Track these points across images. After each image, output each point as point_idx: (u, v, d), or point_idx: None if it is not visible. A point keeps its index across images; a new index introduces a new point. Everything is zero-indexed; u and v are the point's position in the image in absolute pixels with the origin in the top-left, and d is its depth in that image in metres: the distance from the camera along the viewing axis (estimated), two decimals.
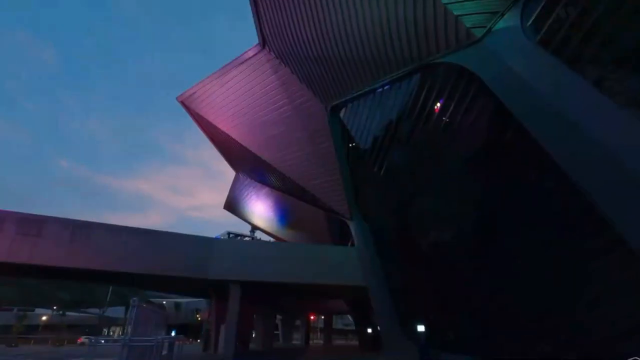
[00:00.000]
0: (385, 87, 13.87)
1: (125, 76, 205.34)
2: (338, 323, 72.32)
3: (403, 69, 12.16)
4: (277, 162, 20.60)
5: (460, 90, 10.88)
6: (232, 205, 31.37)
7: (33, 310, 63.74)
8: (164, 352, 13.05)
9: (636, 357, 4.16)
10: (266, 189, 26.96)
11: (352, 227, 20.40)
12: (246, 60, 17.35)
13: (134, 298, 9.49)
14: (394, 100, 13.69)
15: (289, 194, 25.33)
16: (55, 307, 67.43)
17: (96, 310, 70.79)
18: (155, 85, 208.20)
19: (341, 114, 16.81)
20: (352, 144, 17.57)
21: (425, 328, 16.61)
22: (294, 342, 49.64)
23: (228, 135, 21.38)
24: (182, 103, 21.42)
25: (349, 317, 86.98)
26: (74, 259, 15.80)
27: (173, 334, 24.29)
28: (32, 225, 15.93)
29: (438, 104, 12.30)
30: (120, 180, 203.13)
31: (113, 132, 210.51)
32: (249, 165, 24.48)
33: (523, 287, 10.22)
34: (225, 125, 20.88)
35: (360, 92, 14.68)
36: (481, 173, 11.42)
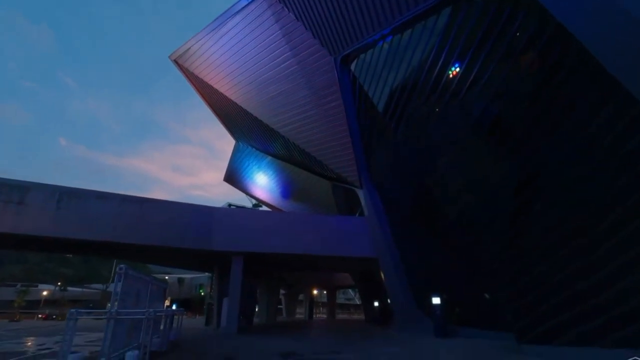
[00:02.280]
0: (406, 30, 12.05)
1: (123, 55, 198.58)
2: (340, 297, 72.76)
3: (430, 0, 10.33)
4: (280, 126, 18.99)
5: (502, 22, 9.12)
6: (233, 177, 30.00)
7: (37, 286, 64.09)
8: (161, 327, 11.98)
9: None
10: (268, 159, 25.45)
11: (362, 195, 19.02)
12: (245, 7, 15.39)
13: (121, 265, 8.18)
14: (416, 44, 11.89)
15: (293, 163, 23.85)
16: (59, 283, 67.93)
17: (100, 286, 71.29)
18: (154, 64, 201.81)
19: (352, 67, 15.01)
20: (364, 101, 15.84)
21: (441, 301, 15.63)
22: (297, 316, 49.58)
23: (226, 97, 19.64)
24: (175, 62, 19.57)
25: (350, 291, 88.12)
26: (62, 228, 14.52)
27: (174, 307, 23.50)
28: (14, 192, 14.55)
29: (469, 47, 10.54)
30: (121, 159, 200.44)
31: (112, 111, 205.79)
32: (249, 131, 22.87)
33: (566, 263, 8.86)
34: (222, 85, 19.10)
35: (376, 36, 12.82)
36: (521, 128, 9.80)
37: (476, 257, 14.23)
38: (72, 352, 7.81)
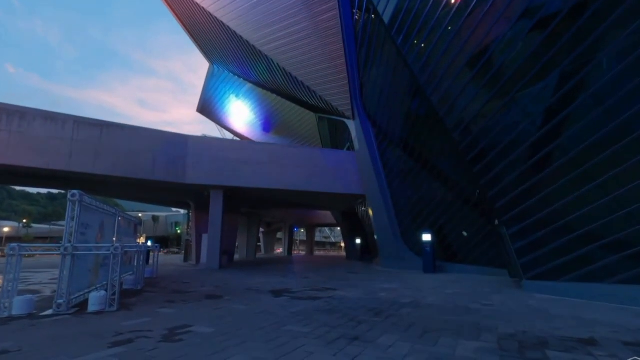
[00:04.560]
0: None
1: None
2: (317, 235, 74.91)
3: None
4: (263, 43, 16.35)
5: None
6: (207, 107, 27.17)
7: None
8: (135, 264, 10.71)
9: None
10: (247, 86, 22.81)
11: (354, 128, 17.46)
12: None
13: (74, 191, 6.49)
14: None
15: (276, 92, 21.51)
16: (24, 220, 65.27)
17: None
18: None
19: None
20: (366, 11, 13.49)
21: (432, 238, 15.28)
22: (275, 253, 50.46)
23: (199, 6, 16.43)
24: None
25: (327, 230, 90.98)
26: (3, 154, 12.20)
27: (149, 244, 22.33)
28: None
29: None
30: (79, 91, 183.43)
31: (65, 36, 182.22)
32: (226, 50, 19.83)
33: (583, 200, 8.04)
34: None
35: None
36: (559, 43, 8.19)
37: (472, 193, 13.56)
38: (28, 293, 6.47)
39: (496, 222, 9.80)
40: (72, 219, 6.47)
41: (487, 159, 9.82)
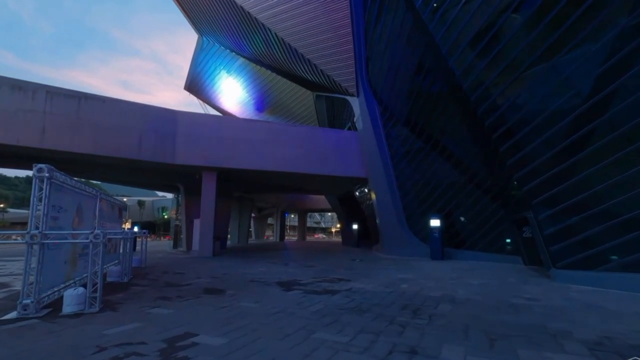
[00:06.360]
0: None
1: None
2: (307, 221, 74.39)
3: None
4: (259, 10, 14.81)
5: None
6: (196, 84, 25.34)
7: None
8: (121, 252, 9.50)
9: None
10: (240, 61, 21.15)
11: (356, 106, 16.28)
12: None
13: (41, 165, 5.22)
14: None
15: (271, 68, 19.99)
16: (1, 205, 62.72)
17: None
18: None
19: None
20: None
21: (441, 223, 14.48)
22: (266, 238, 49.51)
23: None
24: None
25: (317, 215, 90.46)
26: None
27: (136, 229, 20.98)
28: None
29: None
30: (57, 70, 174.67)
31: (39, 11, 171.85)
32: (218, 19, 18.07)
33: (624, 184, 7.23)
34: None
35: None
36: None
37: (485, 177, 12.70)
38: None
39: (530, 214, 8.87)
40: (40, 199, 5.22)
41: (517, 136, 8.86)
